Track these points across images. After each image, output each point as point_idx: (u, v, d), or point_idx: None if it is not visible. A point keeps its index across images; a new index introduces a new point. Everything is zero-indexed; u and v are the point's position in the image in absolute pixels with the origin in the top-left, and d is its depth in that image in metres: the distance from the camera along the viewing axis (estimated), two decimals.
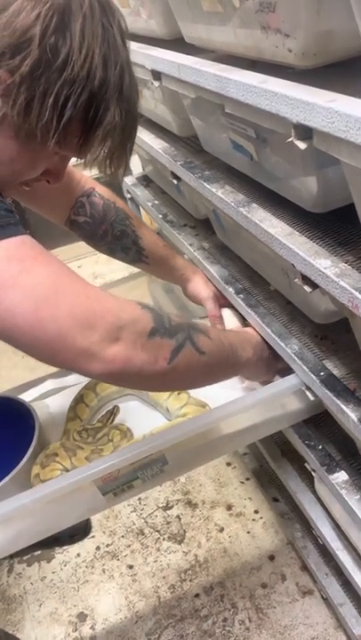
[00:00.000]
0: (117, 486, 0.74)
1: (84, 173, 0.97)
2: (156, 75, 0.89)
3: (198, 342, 0.66)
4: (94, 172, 0.68)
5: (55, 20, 0.54)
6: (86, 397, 1.00)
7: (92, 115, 0.58)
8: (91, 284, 0.60)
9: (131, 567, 1.31)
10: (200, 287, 1.03)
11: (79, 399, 0.99)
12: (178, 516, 1.41)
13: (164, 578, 1.28)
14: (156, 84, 0.90)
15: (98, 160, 0.64)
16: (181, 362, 0.64)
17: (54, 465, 0.86)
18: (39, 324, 0.55)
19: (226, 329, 0.98)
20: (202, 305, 1.03)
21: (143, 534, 1.38)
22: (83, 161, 0.64)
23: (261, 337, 0.88)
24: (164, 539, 1.36)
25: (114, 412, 0.96)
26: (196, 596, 1.22)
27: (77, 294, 0.57)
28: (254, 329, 0.90)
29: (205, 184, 0.89)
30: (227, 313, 1.01)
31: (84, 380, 1.03)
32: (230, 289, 0.95)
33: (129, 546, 1.36)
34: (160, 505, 1.45)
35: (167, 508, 1.44)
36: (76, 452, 0.88)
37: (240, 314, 0.97)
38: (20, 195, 0.80)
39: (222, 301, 1.01)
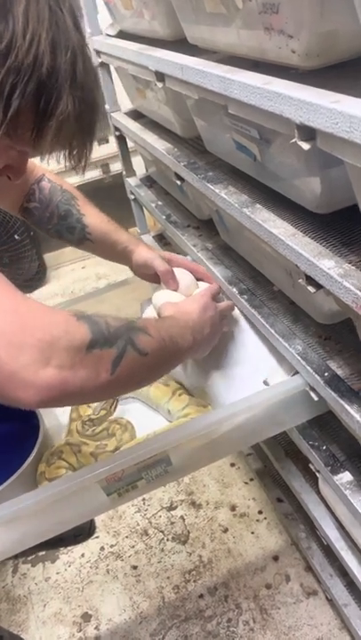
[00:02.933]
0: (122, 487, 0.75)
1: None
2: (160, 76, 0.89)
3: (140, 344, 0.62)
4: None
5: None
6: None
7: (43, 105, 0.53)
8: (24, 295, 0.54)
9: (135, 567, 1.32)
10: (144, 252, 0.99)
11: None
12: (182, 517, 1.41)
13: (168, 578, 1.28)
14: (160, 85, 0.90)
15: (55, 153, 0.60)
16: (124, 369, 0.59)
17: (60, 462, 0.86)
18: None
19: (178, 290, 0.96)
20: (149, 274, 1.00)
21: (147, 535, 1.39)
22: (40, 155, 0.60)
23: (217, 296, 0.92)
24: (168, 539, 1.36)
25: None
26: (201, 596, 1.23)
27: (4, 310, 0.51)
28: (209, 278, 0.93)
29: (209, 185, 0.89)
30: (179, 270, 0.98)
31: None
32: (234, 289, 0.95)
33: (133, 546, 1.36)
34: (164, 505, 1.45)
35: (171, 508, 1.44)
36: (80, 448, 0.88)
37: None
38: None
39: (173, 264, 0.99)
